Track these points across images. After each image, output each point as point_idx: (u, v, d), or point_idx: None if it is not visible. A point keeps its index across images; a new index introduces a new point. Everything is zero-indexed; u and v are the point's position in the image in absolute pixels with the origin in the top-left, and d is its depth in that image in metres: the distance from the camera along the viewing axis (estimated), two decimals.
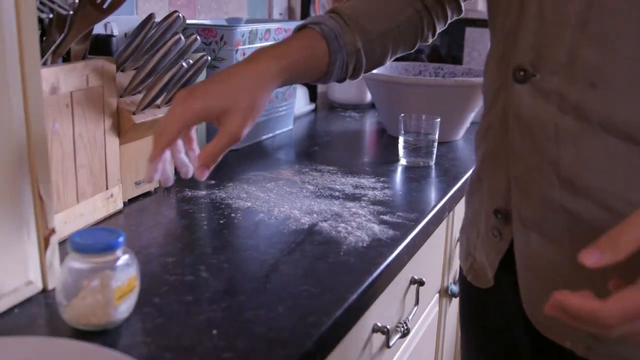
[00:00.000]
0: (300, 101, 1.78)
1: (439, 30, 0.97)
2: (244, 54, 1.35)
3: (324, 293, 0.78)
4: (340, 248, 0.91)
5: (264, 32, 1.41)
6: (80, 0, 0.83)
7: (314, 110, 1.90)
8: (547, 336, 0.76)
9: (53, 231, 0.75)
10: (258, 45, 1.39)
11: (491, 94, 0.78)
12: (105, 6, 0.86)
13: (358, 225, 0.99)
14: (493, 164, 0.79)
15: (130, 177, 1.05)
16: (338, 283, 0.81)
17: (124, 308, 0.68)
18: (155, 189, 1.13)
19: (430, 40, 0.98)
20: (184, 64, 0.95)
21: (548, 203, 0.70)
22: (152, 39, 0.99)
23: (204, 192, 1.13)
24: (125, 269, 0.68)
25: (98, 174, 0.96)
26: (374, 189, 1.17)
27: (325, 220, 1.01)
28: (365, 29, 0.88)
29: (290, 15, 1.94)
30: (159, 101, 1.03)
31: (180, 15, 0.99)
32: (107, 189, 0.99)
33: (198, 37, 0.99)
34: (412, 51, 0.98)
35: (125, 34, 1.32)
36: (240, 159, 1.36)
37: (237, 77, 0.78)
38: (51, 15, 0.82)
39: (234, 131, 0.77)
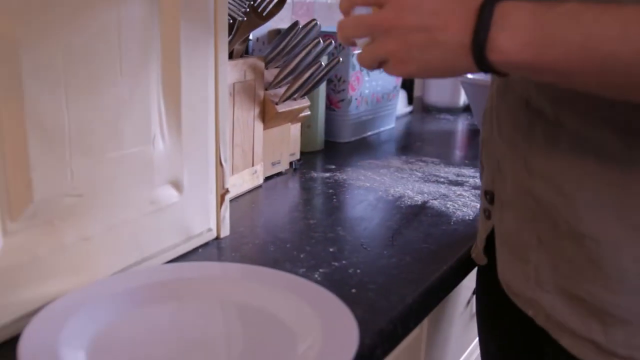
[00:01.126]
0: (399, 103, 1.95)
1: None
2: None
3: (440, 250, 0.95)
4: (450, 220, 1.08)
5: None
6: (248, 10, 1.03)
7: (411, 112, 2.07)
8: (515, 302, 0.79)
9: (227, 191, 0.95)
10: None
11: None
12: (265, 14, 1.06)
13: (463, 203, 1.16)
14: (487, 150, 0.85)
15: (268, 158, 1.25)
16: (451, 243, 0.98)
17: None
18: (285, 170, 1.32)
19: None
20: (322, 63, 1.14)
21: (519, 186, 0.75)
22: (294, 42, 1.19)
23: (327, 174, 1.32)
24: None
25: (247, 153, 1.16)
26: (474, 177, 1.33)
27: (435, 199, 1.18)
28: None
29: None
30: (296, 95, 1.22)
31: (318, 22, 1.18)
32: (252, 165, 1.18)
33: (333, 41, 1.18)
34: None
35: (257, 38, 1.53)
36: (352, 151, 1.54)
37: None
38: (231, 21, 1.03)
39: None
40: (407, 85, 2.06)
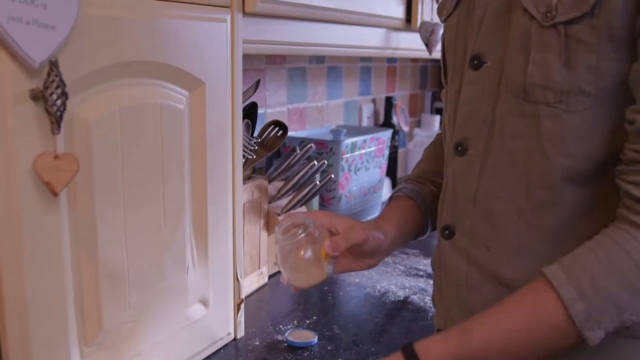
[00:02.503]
0: (384, 189, 2.17)
1: None
2: (347, 161, 1.77)
3: None
4: (427, 315, 1.29)
5: (361, 142, 1.82)
6: (256, 147, 1.25)
7: None
8: None
9: (242, 301, 1.15)
10: (357, 153, 1.81)
11: (438, 239, 0.93)
12: (269, 146, 1.28)
13: None
14: (438, 294, 0.94)
15: (272, 259, 1.46)
16: None
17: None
18: None
19: None
20: (317, 182, 1.37)
21: None
22: (292, 161, 1.41)
23: None
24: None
25: (254, 258, 1.37)
26: None
27: (415, 294, 1.39)
28: (436, 182, 1.01)
29: (375, 117, 2.36)
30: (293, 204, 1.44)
31: (312, 145, 1.41)
32: (259, 268, 1.39)
33: (325, 162, 1.41)
34: None
35: None
36: None
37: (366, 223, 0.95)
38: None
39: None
40: (391, 172, 2.28)
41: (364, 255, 0.93)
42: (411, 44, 1.71)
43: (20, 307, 0.75)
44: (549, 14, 0.71)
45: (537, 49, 0.72)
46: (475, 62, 0.81)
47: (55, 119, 0.73)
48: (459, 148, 0.83)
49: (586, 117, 0.71)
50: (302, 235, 0.88)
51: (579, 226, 0.75)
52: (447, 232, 0.87)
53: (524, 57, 0.74)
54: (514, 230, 0.79)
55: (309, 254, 0.89)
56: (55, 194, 0.74)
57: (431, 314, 1.29)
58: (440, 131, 1.12)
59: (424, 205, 1.00)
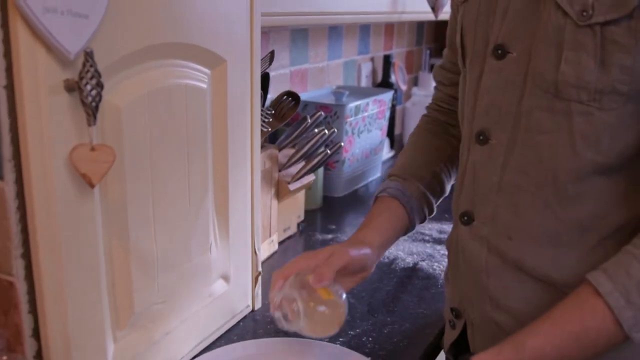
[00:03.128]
0: (384, 149, 2.17)
1: None
2: (350, 125, 1.77)
3: (432, 313, 1.18)
4: (437, 282, 1.32)
5: (364, 105, 1.82)
6: (271, 120, 1.25)
7: (394, 156, 2.30)
8: None
9: (260, 273, 1.17)
10: (360, 115, 1.80)
11: (453, 221, 0.95)
12: (282, 117, 1.28)
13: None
14: (453, 273, 0.96)
15: (281, 226, 1.47)
16: (440, 306, 1.21)
17: None
18: (294, 232, 1.54)
19: None
20: (328, 151, 1.37)
21: (484, 314, 0.89)
22: (303, 130, 1.41)
23: (329, 236, 1.55)
24: None
25: (266, 227, 1.38)
26: None
27: (423, 260, 1.42)
28: (420, 176, 1.03)
29: (374, 77, 2.35)
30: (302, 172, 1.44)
31: (322, 113, 1.41)
32: (270, 236, 1.40)
33: (336, 130, 1.41)
34: None
35: None
36: (347, 206, 1.77)
37: (350, 242, 0.96)
38: None
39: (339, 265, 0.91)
40: (389, 131, 2.28)
41: (355, 272, 0.94)
42: (417, 7, 1.70)
43: (59, 297, 0.76)
44: (584, 13, 0.70)
45: (571, 48, 0.72)
46: (499, 51, 0.80)
47: (91, 110, 0.72)
48: (481, 137, 0.84)
49: (619, 114, 0.72)
50: (300, 309, 0.88)
51: (607, 216, 0.77)
52: (465, 218, 0.89)
53: (555, 54, 0.73)
54: (539, 220, 0.80)
55: (316, 314, 0.89)
56: (92, 185, 0.74)
57: (441, 281, 1.32)
58: (427, 113, 1.13)
59: (409, 205, 1.01)
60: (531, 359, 0.74)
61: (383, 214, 1.00)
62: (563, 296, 0.76)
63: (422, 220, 1.06)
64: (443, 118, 1.09)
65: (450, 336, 1.00)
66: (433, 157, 1.05)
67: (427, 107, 1.13)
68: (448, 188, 1.07)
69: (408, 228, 1.03)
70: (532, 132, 0.78)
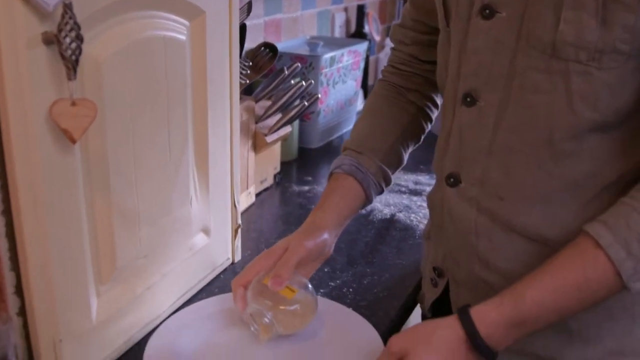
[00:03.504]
0: (359, 101, 2.17)
1: (434, 116, 1.07)
2: (325, 76, 1.75)
3: (411, 264, 1.20)
4: (415, 233, 1.33)
5: (339, 56, 1.81)
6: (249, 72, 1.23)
7: None
8: None
9: (239, 226, 1.17)
10: (335, 67, 1.79)
11: (436, 181, 0.95)
12: (259, 69, 1.27)
13: (424, 215, 1.41)
14: (437, 232, 0.96)
15: (257, 177, 1.47)
16: (418, 257, 1.22)
17: None
18: (270, 184, 1.54)
19: (431, 125, 1.08)
20: (305, 103, 1.36)
21: (471, 273, 0.89)
22: (280, 81, 1.40)
23: (306, 187, 1.55)
24: None
25: (243, 179, 1.37)
26: (429, 185, 1.58)
27: (400, 212, 1.43)
28: (376, 149, 1.00)
29: (347, 27, 2.33)
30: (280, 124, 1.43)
31: (299, 65, 1.39)
32: (247, 188, 1.40)
33: (312, 82, 1.40)
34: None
35: None
36: (322, 158, 1.77)
37: (304, 231, 0.94)
38: None
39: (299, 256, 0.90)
40: (363, 83, 2.27)
41: (314, 259, 0.93)
42: None
43: (42, 253, 0.75)
44: None
45: (571, 7, 0.71)
46: (487, 11, 0.78)
47: (71, 64, 0.70)
48: (468, 99, 0.83)
49: (619, 73, 0.72)
50: (270, 320, 0.87)
51: (600, 173, 0.78)
52: (452, 180, 0.88)
53: (553, 14, 0.72)
54: (532, 180, 0.80)
55: (288, 314, 0.89)
56: (73, 141, 0.73)
57: (418, 232, 1.33)
58: (382, 77, 1.08)
59: (365, 181, 0.99)
60: (531, 310, 0.74)
61: (338, 192, 0.99)
62: (555, 253, 0.76)
63: (379, 193, 1.03)
64: (400, 82, 1.05)
65: (431, 294, 1.00)
66: (389, 127, 1.02)
67: (383, 71, 1.09)
68: (406, 158, 1.04)
69: (365, 203, 1.02)
70: (526, 93, 0.77)
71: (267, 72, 1.37)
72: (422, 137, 1.07)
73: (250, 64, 1.26)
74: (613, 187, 0.79)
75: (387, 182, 1.02)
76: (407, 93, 1.04)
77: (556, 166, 0.78)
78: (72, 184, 0.77)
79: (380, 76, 1.09)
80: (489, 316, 0.76)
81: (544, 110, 0.76)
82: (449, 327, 0.78)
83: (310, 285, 0.91)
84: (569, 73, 0.73)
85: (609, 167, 0.78)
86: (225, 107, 1.05)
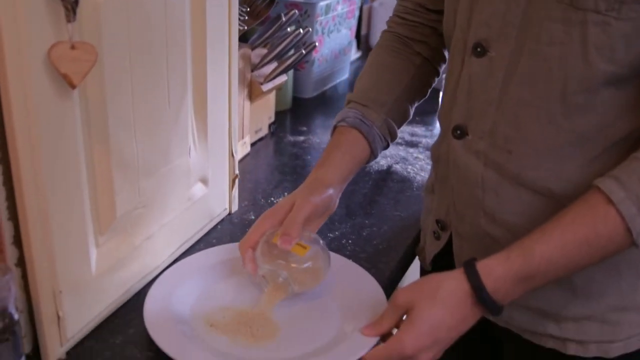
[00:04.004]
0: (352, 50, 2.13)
1: (441, 70, 1.05)
2: (321, 24, 1.72)
3: (409, 217, 1.19)
4: (412, 185, 1.32)
5: (335, 4, 1.77)
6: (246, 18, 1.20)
7: (360, 57, 2.26)
8: None
9: (237, 176, 1.15)
10: (331, 15, 1.75)
11: (441, 133, 0.94)
12: (257, 15, 1.23)
13: (421, 167, 1.40)
14: (441, 185, 0.95)
15: (253, 127, 1.44)
16: (416, 209, 1.21)
17: None
18: (265, 134, 1.52)
19: (437, 80, 1.06)
20: (303, 51, 1.33)
21: (476, 227, 0.87)
22: (276, 29, 1.36)
23: (301, 138, 1.53)
24: None
25: (239, 128, 1.35)
26: (425, 137, 1.56)
27: (397, 163, 1.41)
28: (381, 101, 0.98)
29: None
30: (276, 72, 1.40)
31: (296, 12, 1.36)
32: (242, 138, 1.38)
33: (310, 29, 1.36)
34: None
35: None
36: (317, 108, 1.75)
37: (309, 186, 0.92)
38: None
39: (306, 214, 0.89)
40: (357, 33, 2.23)
41: (320, 215, 0.92)
42: None
43: (40, 202, 0.73)
44: None
45: None
46: None
47: (70, 5, 0.67)
48: (478, 49, 0.80)
49: (635, 25, 0.70)
50: (285, 278, 0.87)
51: (611, 128, 0.76)
52: (458, 132, 0.86)
53: None
54: (542, 133, 0.78)
55: (302, 272, 0.88)
56: (73, 86, 0.70)
57: (416, 184, 1.32)
58: (387, 28, 1.05)
59: (370, 135, 0.97)
60: (539, 265, 0.73)
61: (342, 147, 0.96)
62: (562, 208, 0.75)
63: (385, 148, 1.01)
64: (406, 33, 1.01)
65: (433, 247, 0.99)
66: (395, 79, 1.00)
67: (388, 22, 1.06)
68: (412, 112, 1.02)
69: (370, 158, 0.99)
70: (540, 44, 0.75)
71: (263, 19, 1.34)
72: (429, 91, 1.05)
73: (248, 9, 1.22)
74: (623, 142, 0.77)
75: (393, 136, 1.01)
76: (414, 44, 1.01)
77: (567, 120, 0.77)
78: (71, 131, 0.75)
79: (385, 27, 1.06)
80: (495, 270, 0.75)
81: (558, 62, 0.74)
82: (454, 280, 0.77)
83: (321, 241, 0.90)
84: (587, 23, 0.71)
85: (620, 122, 0.76)
86: (224, 54, 1.02)
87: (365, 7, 2.38)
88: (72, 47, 0.69)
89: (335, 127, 0.99)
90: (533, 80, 0.77)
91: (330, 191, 0.91)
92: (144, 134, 0.86)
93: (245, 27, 1.20)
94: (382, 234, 1.13)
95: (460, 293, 0.76)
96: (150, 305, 0.85)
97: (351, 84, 1.98)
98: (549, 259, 0.73)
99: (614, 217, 0.71)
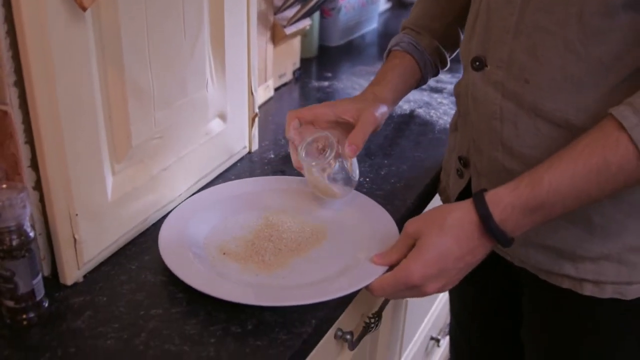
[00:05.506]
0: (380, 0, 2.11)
1: None
2: None
3: (429, 158, 1.19)
4: (434, 128, 1.31)
5: None
6: None
7: (391, 9, 2.24)
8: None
9: (257, 114, 1.15)
10: None
11: (463, 68, 0.94)
12: None
13: (444, 111, 1.39)
14: (462, 121, 0.96)
15: (276, 72, 1.44)
16: (437, 151, 1.21)
17: None
18: (289, 79, 1.52)
19: None
20: None
21: (493, 161, 0.87)
22: None
23: (326, 83, 1.52)
24: None
25: (261, 71, 1.35)
26: (450, 83, 1.55)
27: (420, 107, 1.40)
28: (433, 28, 1.03)
29: None
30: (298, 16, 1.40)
31: None
32: (265, 81, 1.38)
33: None
34: None
35: None
36: (342, 56, 1.74)
37: (365, 98, 0.98)
38: None
39: (368, 120, 0.94)
40: None
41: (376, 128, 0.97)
42: None
43: (55, 126, 0.74)
44: None
45: None
46: None
47: None
48: None
49: None
50: (331, 156, 0.91)
51: (628, 56, 0.74)
52: (477, 63, 0.85)
53: None
54: (560, 62, 0.76)
55: (338, 172, 0.93)
56: (84, 8, 0.71)
57: (438, 127, 1.31)
58: None
59: (422, 60, 1.02)
60: (548, 194, 0.72)
61: (396, 69, 1.01)
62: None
63: (435, 74, 1.06)
64: None
65: (457, 186, 0.99)
66: (447, 7, 1.04)
67: None
68: (460, 42, 1.03)
69: (420, 82, 1.05)
70: None
71: None
72: None
73: None
74: (638, 73, 0.75)
75: (443, 63, 1.06)
76: None
77: (585, 47, 0.75)
78: (84, 55, 0.76)
79: None
80: (504, 199, 0.74)
81: None
82: (462, 210, 0.77)
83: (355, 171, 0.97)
84: None
85: (636, 51, 0.74)
86: None
87: None
88: None
89: (389, 51, 1.05)
90: (550, 4, 0.75)
91: (385, 109, 0.96)
92: (159, 64, 0.87)
93: None
94: (401, 173, 1.13)
95: (468, 222, 0.76)
96: (165, 232, 0.87)
97: (380, 33, 1.97)
98: (558, 189, 0.72)
99: (626, 144, 0.69)
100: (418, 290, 0.77)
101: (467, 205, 0.77)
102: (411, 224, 0.80)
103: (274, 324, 0.77)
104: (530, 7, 0.77)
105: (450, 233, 0.76)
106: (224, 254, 0.87)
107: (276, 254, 0.87)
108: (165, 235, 0.86)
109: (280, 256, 0.87)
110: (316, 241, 0.91)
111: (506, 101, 0.83)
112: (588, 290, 0.86)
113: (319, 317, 0.79)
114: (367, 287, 0.80)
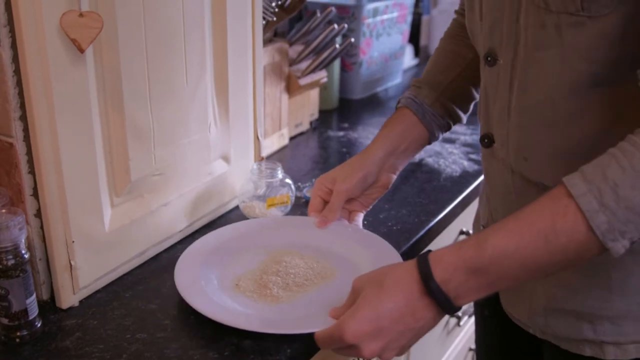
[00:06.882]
0: (406, 56, 2.17)
1: None
2: (368, 26, 1.77)
3: (431, 203, 1.22)
4: (440, 176, 1.34)
5: (384, 7, 1.82)
6: (277, 10, 1.26)
7: (417, 65, 2.30)
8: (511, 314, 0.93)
9: (263, 158, 1.21)
10: (379, 18, 1.80)
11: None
12: (290, 10, 1.29)
13: (453, 161, 1.42)
14: (486, 193, 0.97)
15: (292, 121, 1.50)
16: (440, 198, 1.24)
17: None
18: (306, 129, 1.58)
19: None
20: (337, 46, 1.38)
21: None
22: (313, 25, 1.42)
23: (341, 133, 1.58)
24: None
25: (275, 120, 1.41)
26: (464, 134, 1.58)
27: (430, 157, 1.44)
28: (437, 82, 1.02)
29: None
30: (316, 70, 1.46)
31: (333, 9, 1.41)
32: (279, 129, 1.44)
33: (346, 26, 1.42)
34: None
35: None
36: (363, 108, 1.79)
37: (352, 162, 1.02)
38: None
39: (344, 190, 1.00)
40: (414, 39, 2.27)
41: (361, 192, 1.02)
42: None
43: (55, 158, 0.81)
44: None
45: None
46: None
47: None
48: (489, 58, 0.82)
49: (610, 20, 0.68)
50: None
51: (612, 130, 0.73)
52: (486, 140, 0.88)
53: None
54: (548, 140, 0.78)
55: None
56: (81, 50, 0.78)
57: (444, 175, 1.35)
58: (455, 17, 1.09)
59: (420, 112, 1.01)
60: (492, 257, 0.68)
61: (389, 123, 1.03)
62: None
63: (445, 128, 1.05)
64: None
65: None
66: (452, 62, 1.04)
67: (456, 11, 1.10)
68: (475, 93, 1.04)
69: (426, 136, 1.03)
70: (530, 50, 0.76)
71: (299, 15, 1.40)
72: None
73: (280, 3, 1.29)
74: None
75: (454, 116, 1.04)
76: None
77: (565, 124, 0.76)
78: (84, 93, 0.82)
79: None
80: (445, 258, 0.71)
81: (548, 67, 0.75)
82: (404, 268, 0.74)
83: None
84: (561, 26, 0.71)
85: (619, 125, 0.72)
86: (247, 37, 1.09)
87: (425, 18, 2.42)
88: (81, 15, 0.77)
89: (397, 107, 1.06)
90: (528, 87, 0.78)
91: (362, 173, 0.99)
92: (160, 106, 0.94)
93: (274, 19, 1.26)
94: (399, 217, 1.16)
95: (408, 281, 0.72)
96: (181, 278, 0.90)
97: (405, 88, 2.02)
98: (503, 251, 0.68)
99: (574, 212, 0.65)
100: (355, 349, 0.74)
101: (410, 264, 0.74)
102: (357, 280, 0.78)
103: (250, 351, 0.80)
104: (515, 88, 0.80)
105: (388, 291, 0.73)
106: (236, 285, 0.91)
107: (284, 287, 0.91)
108: (180, 269, 0.92)
109: (287, 289, 0.90)
110: (324, 278, 0.94)
111: (515, 177, 0.85)
112: (611, 354, 0.83)
113: (295, 348, 0.82)
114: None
